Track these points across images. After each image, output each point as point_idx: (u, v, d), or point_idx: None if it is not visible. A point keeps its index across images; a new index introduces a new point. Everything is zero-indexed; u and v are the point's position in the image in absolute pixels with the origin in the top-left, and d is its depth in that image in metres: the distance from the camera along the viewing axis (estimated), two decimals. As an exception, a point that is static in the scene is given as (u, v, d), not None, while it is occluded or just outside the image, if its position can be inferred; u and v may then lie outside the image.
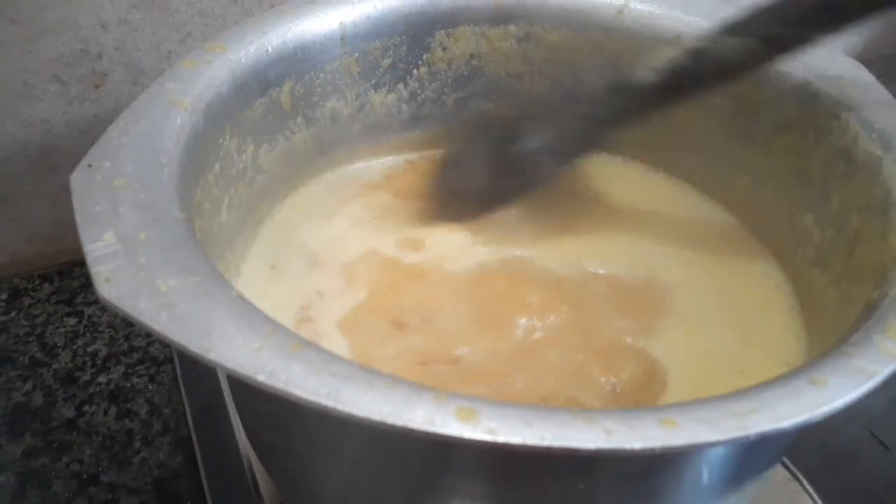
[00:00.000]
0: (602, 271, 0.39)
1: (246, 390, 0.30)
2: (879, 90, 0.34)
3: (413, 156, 0.47)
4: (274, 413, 0.27)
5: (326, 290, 0.37)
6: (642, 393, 0.32)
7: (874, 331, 0.23)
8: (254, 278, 0.37)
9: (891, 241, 0.27)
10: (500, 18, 0.43)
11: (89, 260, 0.23)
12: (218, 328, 0.21)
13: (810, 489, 0.42)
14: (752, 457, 0.28)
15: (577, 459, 0.21)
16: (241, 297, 0.23)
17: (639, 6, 0.42)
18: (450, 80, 0.45)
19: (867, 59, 0.38)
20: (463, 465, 0.24)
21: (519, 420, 0.19)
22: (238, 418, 0.43)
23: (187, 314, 0.22)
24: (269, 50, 0.36)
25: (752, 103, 0.38)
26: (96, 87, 0.50)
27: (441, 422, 0.19)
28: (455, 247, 0.40)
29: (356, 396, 0.20)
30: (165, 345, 0.51)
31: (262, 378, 0.20)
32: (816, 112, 0.35)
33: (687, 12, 0.41)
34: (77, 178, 0.26)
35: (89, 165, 0.27)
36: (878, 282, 0.26)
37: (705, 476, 0.27)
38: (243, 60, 0.35)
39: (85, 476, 0.43)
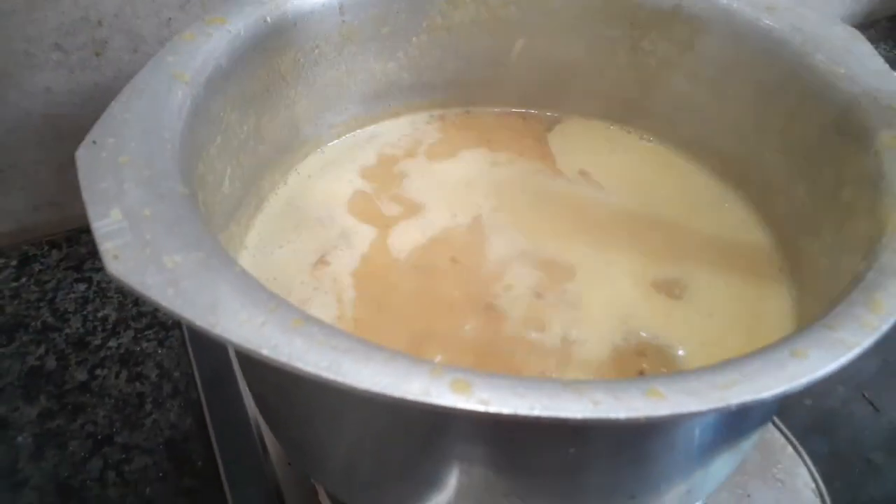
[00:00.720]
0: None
1: (252, 360, 0.31)
2: (876, 60, 0.34)
3: (416, 121, 0.47)
4: (279, 382, 0.29)
5: (331, 255, 0.38)
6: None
7: (857, 303, 0.23)
8: (258, 250, 0.38)
9: (878, 214, 0.27)
10: (499, -16, 0.43)
11: (97, 237, 0.24)
12: (223, 303, 0.22)
13: (800, 448, 0.44)
14: (740, 420, 0.29)
15: (567, 427, 0.22)
16: (244, 273, 0.24)
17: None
18: (450, 48, 0.45)
19: (874, 19, 0.37)
20: (459, 431, 0.25)
21: (510, 391, 0.20)
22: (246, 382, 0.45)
23: (193, 289, 0.23)
24: (269, 21, 0.37)
25: (743, 64, 0.38)
26: (97, 55, 0.50)
27: (436, 393, 0.20)
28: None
29: (356, 369, 0.21)
30: (173, 310, 0.52)
31: (265, 352, 0.21)
32: (812, 80, 0.35)
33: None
34: (82, 155, 0.27)
35: (94, 142, 0.28)
36: (864, 253, 0.26)
37: (695, 438, 0.28)
38: (242, 32, 0.35)
39: (99, 437, 0.45)
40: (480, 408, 0.20)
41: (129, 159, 0.27)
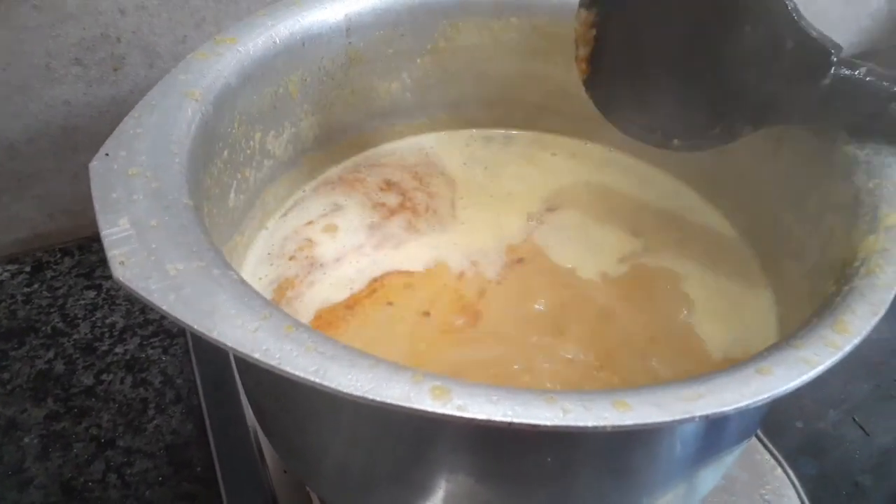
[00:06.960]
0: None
1: (248, 365, 0.33)
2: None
3: (419, 141, 0.49)
4: (272, 387, 0.30)
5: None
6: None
7: (823, 324, 0.24)
8: (257, 262, 0.40)
9: (852, 239, 0.28)
10: (502, 11, 0.45)
11: (106, 244, 0.25)
12: (220, 309, 0.24)
13: (789, 469, 0.44)
14: (718, 434, 0.30)
15: (543, 434, 0.23)
16: (242, 281, 0.25)
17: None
18: (454, 69, 0.46)
19: (874, 49, 0.38)
20: (443, 438, 0.26)
21: (485, 398, 0.21)
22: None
23: (193, 295, 0.24)
24: (278, 41, 0.38)
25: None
26: (115, 69, 0.52)
27: (416, 398, 0.21)
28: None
29: (341, 374, 0.22)
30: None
31: (257, 356, 0.22)
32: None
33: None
34: (95, 167, 0.28)
35: (107, 154, 0.29)
36: (836, 277, 0.27)
37: (674, 451, 0.29)
38: (252, 52, 0.37)
39: (103, 440, 0.46)
40: (457, 413, 0.21)
41: (139, 172, 0.29)
